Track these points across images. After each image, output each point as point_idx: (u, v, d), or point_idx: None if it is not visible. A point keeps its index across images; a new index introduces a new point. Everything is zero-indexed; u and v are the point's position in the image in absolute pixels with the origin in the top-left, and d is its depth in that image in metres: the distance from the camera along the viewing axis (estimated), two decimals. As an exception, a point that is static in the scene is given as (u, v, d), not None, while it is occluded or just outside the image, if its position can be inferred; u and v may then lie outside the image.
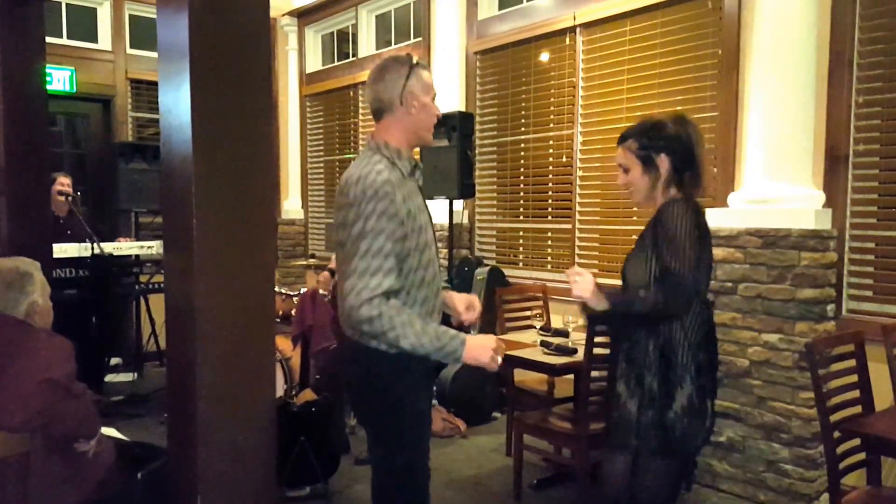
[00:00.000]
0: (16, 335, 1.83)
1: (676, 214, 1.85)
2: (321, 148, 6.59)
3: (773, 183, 3.04)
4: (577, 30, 4.17)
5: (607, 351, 2.22)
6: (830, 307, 3.01)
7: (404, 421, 1.77)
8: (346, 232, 1.70)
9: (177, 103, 1.52)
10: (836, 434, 2.27)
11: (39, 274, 1.97)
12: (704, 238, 1.92)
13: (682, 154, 1.93)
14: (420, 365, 1.76)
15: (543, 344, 3.06)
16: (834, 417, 2.31)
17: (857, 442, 2.28)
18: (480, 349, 1.71)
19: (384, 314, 1.63)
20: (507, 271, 4.62)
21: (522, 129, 4.61)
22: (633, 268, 1.97)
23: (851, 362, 2.48)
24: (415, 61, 1.83)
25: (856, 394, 2.46)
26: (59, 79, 5.56)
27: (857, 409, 2.45)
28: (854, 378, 2.47)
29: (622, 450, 1.98)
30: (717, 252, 3.18)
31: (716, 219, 3.23)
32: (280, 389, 3.66)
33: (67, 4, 5.75)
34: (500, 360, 1.75)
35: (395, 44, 5.66)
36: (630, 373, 1.95)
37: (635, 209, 3.66)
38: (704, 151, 1.99)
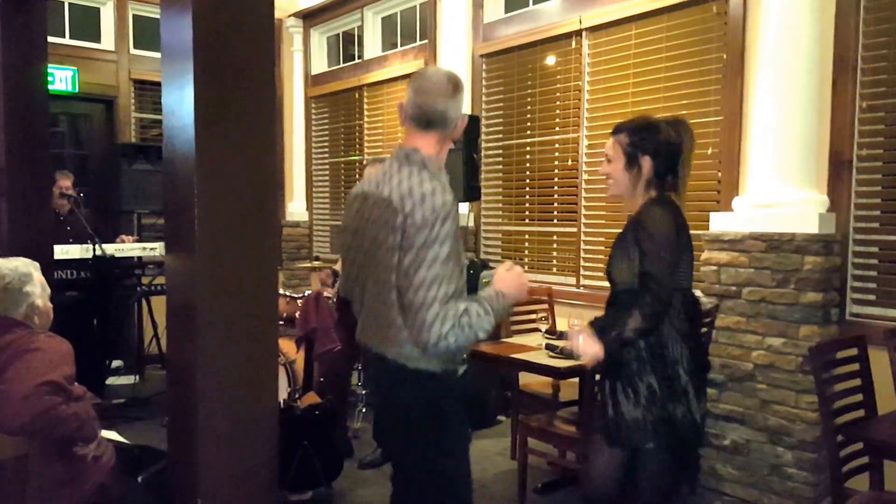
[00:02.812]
0: (15, 337, 1.81)
1: (656, 219, 1.92)
2: (326, 150, 6.59)
3: (778, 187, 3.03)
4: (583, 33, 4.16)
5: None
6: (834, 311, 3.00)
7: (456, 434, 1.83)
8: (401, 251, 1.66)
9: (180, 104, 1.51)
10: (840, 438, 2.26)
11: (39, 274, 1.96)
12: (683, 238, 1.98)
13: (666, 159, 1.99)
14: (461, 380, 1.82)
15: (548, 347, 3.05)
16: (837, 421, 2.30)
17: (860, 446, 2.28)
18: (518, 287, 1.79)
19: (464, 334, 1.65)
20: (510, 274, 4.60)
21: (528, 132, 4.60)
22: (618, 268, 2.01)
23: (855, 366, 2.48)
24: None
25: (859, 397, 2.45)
26: (61, 79, 5.56)
27: (861, 412, 2.44)
28: (857, 382, 2.46)
29: (617, 449, 1.99)
30: (722, 256, 3.18)
31: (720, 223, 3.22)
32: (284, 392, 3.64)
33: (70, 4, 5.76)
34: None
35: (401, 46, 5.66)
36: (624, 372, 1.97)
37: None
38: (691, 158, 2.03)
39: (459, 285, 1.69)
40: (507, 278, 1.79)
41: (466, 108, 4.79)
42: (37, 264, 1.99)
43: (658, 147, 1.99)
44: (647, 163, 1.98)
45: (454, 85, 1.77)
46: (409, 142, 1.79)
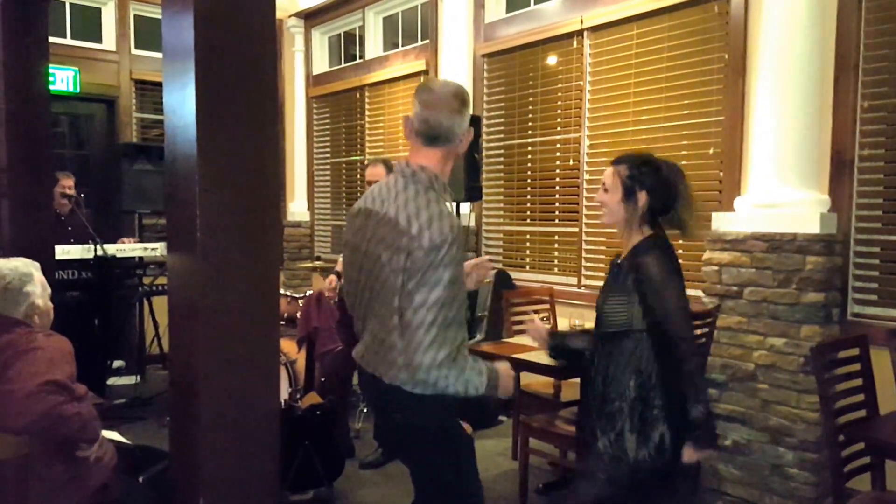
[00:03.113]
0: (15, 336, 1.81)
1: (656, 266, 1.91)
2: (327, 150, 6.59)
3: (779, 187, 3.03)
4: (585, 33, 4.16)
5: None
6: (835, 311, 3.00)
7: (457, 442, 1.84)
8: (405, 273, 1.64)
9: (182, 104, 1.51)
10: (841, 438, 2.26)
11: (39, 274, 1.95)
12: (677, 270, 1.99)
13: (662, 198, 2.00)
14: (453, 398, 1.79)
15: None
16: (839, 421, 2.30)
17: (861, 446, 2.27)
18: (509, 379, 1.81)
19: (454, 373, 1.64)
20: (513, 274, 4.61)
21: (529, 132, 4.60)
22: (613, 309, 2.00)
23: (856, 366, 2.48)
24: None
25: (860, 397, 2.44)
26: (62, 79, 5.56)
27: (862, 412, 2.44)
28: (859, 382, 2.46)
29: (595, 482, 2.00)
30: (724, 256, 3.17)
31: (722, 223, 3.22)
32: (285, 392, 3.64)
33: (71, 4, 5.75)
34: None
35: (403, 46, 5.66)
36: (606, 408, 1.97)
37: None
38: (691, 201, 2.04)
39: (461, 312, 1.67)
40: (503, 370, 1.81)
41: (467, 108, 4.80)
42: (37, 264, 1.98)
43: (656, 184, 1.99)
44: (643, 198, 1.98)
45: (461, 100, 1.76)
46: (415, 157, 1.77)
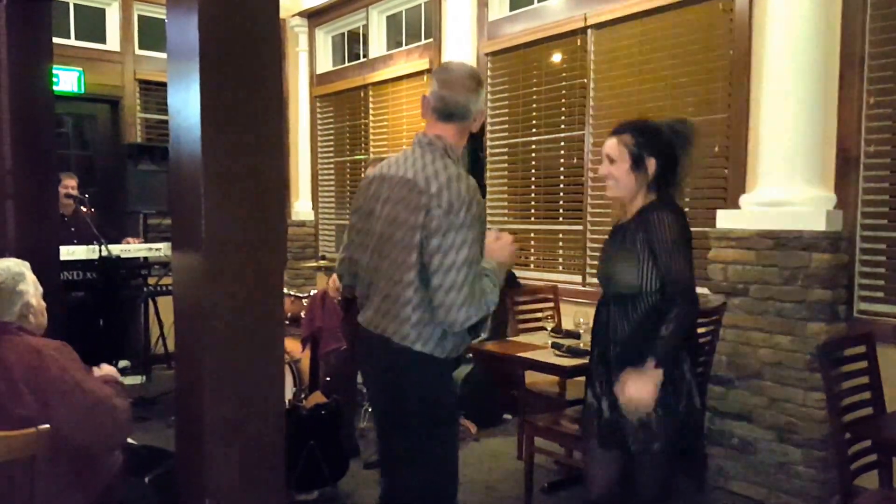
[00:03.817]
0: (19, 355, 1.78)
1: (667, 224, 1.90)
2: (331, 149, 6.59)
3: (785, 184, 3.02)
4: (589, 31, 4.15)
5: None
6: (842, 308, 2.99)
7: (447, 417, 1.90)
8: (425, 231, 1.73)
9: (186, 104, 1.51)
10: (848, 435, 2.25)
11: (30, 273, 1.94)
12: (690, 239, 1.98)
13: (668, 160, 1.97)
14: (453, 367, 1.91)
15: (555, 346, 3.04)
16: (845, 419, 2.29)
17: (869, 443, 2.26)
18: (510, 256, 1.93)
19: (481, 311, 1.76)
20: (518, 273, 4.60)
21: (533, 130, 4.60)
22: (622, 271, 1.98)
23: (863, 363, 2.46)
24: None
25: (867, 395, 2.43)
26: (67, 80, 5.58)
27: (869, 410, 2.43)
28: (865, 379, 2.44)
29: (616, 451, 1.98)
30: (729, 253, 3.16)
31: (727, 220, 3.21)
32: (289, 392, 3.65)
33: (75, 5, 5.77)
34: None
35: (406, 45, 5.65)
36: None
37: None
38: (691, 157, 2.03)
39: (481, 265, 1.79)
40: (497, 249, 1.89)
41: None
42: (27, 263, 1.96)
43: (661, 148, 1.97)
44: (652, 164, 1.95)
45: (477, 80, 1.86)
46: (431, 131, 1.86)
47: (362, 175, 6.02)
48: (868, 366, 2.46)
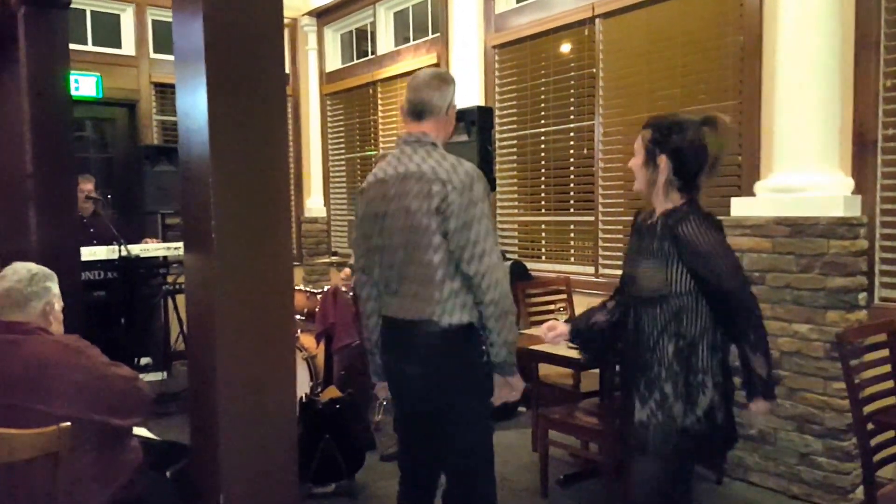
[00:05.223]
0: (44, 355, 1.82)
1: (699, 233, 1.86)
2: (342, 146, 6.62)
3: (800, 170, 2.97)
4: (596, 20, 4.12)
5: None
6: (862, 296, 2.93)
7: (487, 393, 2.02)
8: (443, 214, 1.85)
9: (194, 106, 1.53)
10: (871, 426, 2.22)
11: (55, 284, 2.01)
12: (724, 239, 1.95)
13: (689, 160, 1.90)
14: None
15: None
16: (867, 409, 2.25)
17: (892, 434, 2.23)
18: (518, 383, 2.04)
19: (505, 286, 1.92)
20: (529, 265, 4.59)
21: (542, 121, 4.57)
22: (649, 274, 1.92)
23: (884, 352, 2.42)
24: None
25: (890, 384, 2.39)
26: (86, 85, 5.67)
27: (892, 399, 2.39)
28: (888, 368, 2.41)
29: (649, 454, 1.95)
30: (744, 241, 3.12)
31: (742, 208, 3.17)
32: (306, 386, 3.69)
33: (92, 11, 5.85)
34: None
35: (414, 40, 5.65)
36: (646, 376, 1.92)
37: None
38: (720, 160, 1.96)
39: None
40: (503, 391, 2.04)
41: (480, 100, 4.79)
42: (54, 274, 2.05)
43: (678, 147, 1.89)
44: (663, 162, 1.90)
45: (440, 79, 2.01)
46: (412, 130, 1.98)
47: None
48: (890, 354, 2.42)
